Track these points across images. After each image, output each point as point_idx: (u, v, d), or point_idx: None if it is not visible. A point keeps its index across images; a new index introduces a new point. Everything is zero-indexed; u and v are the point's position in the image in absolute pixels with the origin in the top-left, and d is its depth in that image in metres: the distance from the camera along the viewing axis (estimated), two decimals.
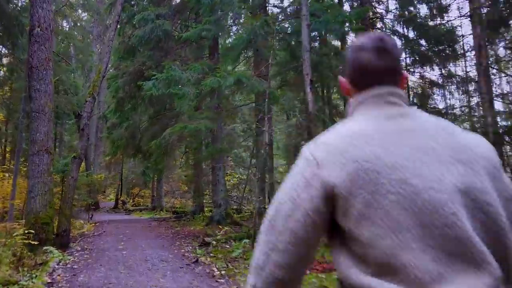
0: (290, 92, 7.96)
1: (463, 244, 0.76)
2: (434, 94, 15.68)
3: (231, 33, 11.73)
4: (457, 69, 15.17)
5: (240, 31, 9.52)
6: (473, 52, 14.01)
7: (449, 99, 15.30)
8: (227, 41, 11.84)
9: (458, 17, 13.44)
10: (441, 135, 0.88)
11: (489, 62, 11.44)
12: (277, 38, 9.06)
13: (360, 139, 0.86)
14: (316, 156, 0.88)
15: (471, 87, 14.00)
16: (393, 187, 0.79)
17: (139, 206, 22.85)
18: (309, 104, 7.93)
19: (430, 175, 0.81)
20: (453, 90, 14.95)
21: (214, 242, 7.56)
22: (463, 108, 14.36)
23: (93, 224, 12.20)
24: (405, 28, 16.25)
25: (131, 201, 24.35)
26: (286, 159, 20.97)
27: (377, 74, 0.97)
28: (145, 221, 14.17)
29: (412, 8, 15.44)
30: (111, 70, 19.46)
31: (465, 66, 13.40)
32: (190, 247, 7.74)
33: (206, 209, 16.30)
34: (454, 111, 14.49)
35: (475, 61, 13.98)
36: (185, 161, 18.47)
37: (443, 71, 14.97)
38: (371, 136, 0.86)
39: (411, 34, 15.78)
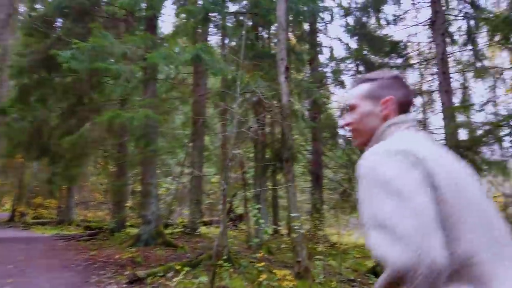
0: (262, 79, 6.26)
1: (507, 244, 0.94)
2: None
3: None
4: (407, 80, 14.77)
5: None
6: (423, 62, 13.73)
7: None
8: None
9: (416, 24, 12.83)
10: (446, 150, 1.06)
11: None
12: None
13: (428, 148, 0.98)
14: (405, 148, 0.94)
15: (422, 99, 13.54)
16: (469, 192, 0.93)
17: (41, 218, 19.14)
18: (283, 96, 6.28)
19: (476, 187, 0.98)
20: None
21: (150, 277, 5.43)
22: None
23: None
24: (349, 37, 15.61)
25: (32, 212, 20.40)
26: (218, 170, 19.12)
27: (412, 103, 1.20)
28: (49, 240, 11.23)
29: (357, 16, 14.83)
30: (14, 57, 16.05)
31: (421, 76, 12.84)
32: (116, 286, 5.49)
33: (127, 223, 13.73)
34: None
35: (429, 71, 13.68)
36: (103, 167, 15.64)
37: None
38: (432, 147, 1.00)
39: (356, 43, 15.19)
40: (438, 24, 10.95)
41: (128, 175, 13.25)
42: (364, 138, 1.17)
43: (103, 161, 14.95)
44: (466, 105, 10.29)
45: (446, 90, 10.46)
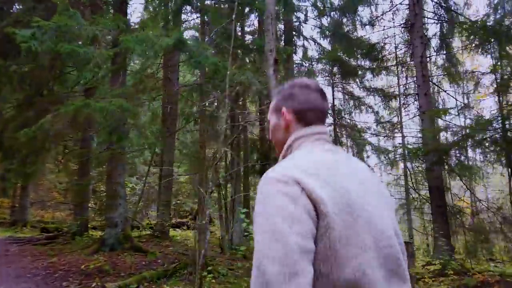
0: (249, 72, 5.75)
1: (397, 263, 0.97)
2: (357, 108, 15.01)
3: None
4: (381, 83, 14.69)
5: None
6: (399, 66, 13.71)
7: (368, 113, 14.69)
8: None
9: (394, 26, 12.76)
10: (366, 170, 1.09)
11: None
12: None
13: (326, 167, 0.98)
14: (294, 177, 0.92)
15: (397, 102, 13.51)
16: (360, 212, 0.93)
17: None
18: (271, 92, 5.79)
19: (374, 204, 0.99)
20: (375, 104, 14.34)
21: None
22: (385, 124, 13.80)
23: None
24: (322, 38, 15.32)
25: None
26: (190, 168, 18.41)
27: (321, 114, 1.15)
28: (1, 244, 10.15)
29: (332, 17, 14.61)
30: None
31: (398, 79, 12.78)
32: None
33: (88, 225, 12.75)
34: (377, 126, 13.87)
35: (404, 74, 13.67)
36: (63, 164, 14.51)
37: (367, 85, 14.37)
38: (332, 166, 1.00)
39: (330, 44, 15.00)
40: (417, 26, 10.89)
41: (91, 174, 12.30)
42: (279, 150, 1.18)
43: (63, 157, 13.83)
44: (445, 109, 10.22)
45: (425, 93, 10.40)
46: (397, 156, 11.89)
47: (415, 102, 12.66)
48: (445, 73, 12.65)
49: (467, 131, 9.22)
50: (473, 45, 10.85)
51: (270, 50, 5.83)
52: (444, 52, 12.48)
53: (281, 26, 15.59)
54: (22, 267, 6.97)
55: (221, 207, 10.81)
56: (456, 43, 13.21)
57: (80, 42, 5.70)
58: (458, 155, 9.93)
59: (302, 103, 1.14)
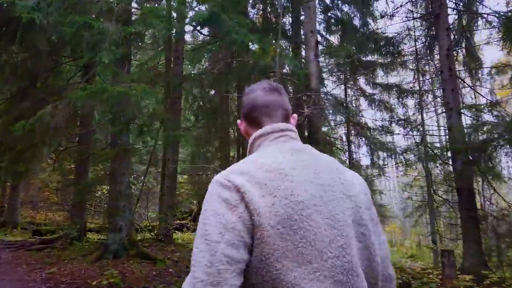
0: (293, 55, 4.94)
1: (349, 273, 0.90)
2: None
3: None
4: (396, 79, 13.92)
5: None
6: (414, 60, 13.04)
7: (381, 112, 13.93)
8: None
9: (416, 18, 12.08)
10: (333, 172, 1.01)
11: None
12: None
13: (278, 173, 0.93)
14: (236, 183, 0.90)
15: (414, 98, 12.82)
16: (305, 223, 0.88)
17: None
18: (312, 79, 5.02)
19: (328, 212, 0.92)
20: (391, 101, 13.62)
21: None
22: (401, 122, 13.10)
23: None
24: (329, 34, 14.52)
25: None
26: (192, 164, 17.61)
27: (267, 109, 1.11)
28: None
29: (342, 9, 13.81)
30: None
31: (417, 74, 12.10)
32: None
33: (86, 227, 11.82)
34: (396, 125, 13.15)
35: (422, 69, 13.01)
36: (60, 162, 13.53)
37: (381, 81, 13.67)
38: (287, 172, 0.94)
39: (340, 39, 14.25)
40: (443, 17, 10.21)
41: (90, 173, 11.39)
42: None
43: (58, 154, 12.82)
44: (477, 105, 9.54)
45: (452, 88, 9.71)
46: (417, 155, 11.21)
47: (436, 98, 12.02)
48: (465, 68, 12.00)
49: (503, 128, 8.54)
50: (499, 38, 10.23)
51: (311, 31, 5.06)
52: (464, 45, 11.84)
53: (289, 19, 14.79)
54: (18, 279, 6.05)
55: None
56: (478, 36, 12.59)
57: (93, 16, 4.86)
58: (488, 155, 9.28)
59: (245, 106, 1.14)
